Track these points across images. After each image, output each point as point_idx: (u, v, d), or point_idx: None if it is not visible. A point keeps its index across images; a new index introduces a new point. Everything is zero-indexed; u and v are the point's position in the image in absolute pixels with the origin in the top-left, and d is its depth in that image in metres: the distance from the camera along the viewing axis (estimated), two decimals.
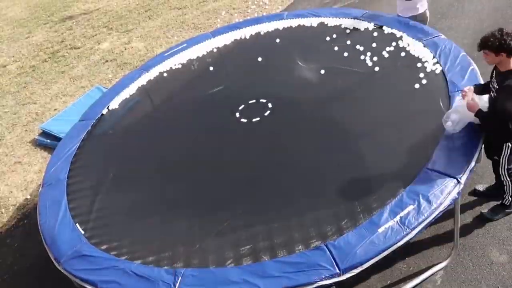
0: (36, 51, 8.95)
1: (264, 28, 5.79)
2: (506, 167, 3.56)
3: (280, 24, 5.76)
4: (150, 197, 3.93)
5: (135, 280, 3.22)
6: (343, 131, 4.02)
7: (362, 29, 5.19)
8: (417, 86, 4.21)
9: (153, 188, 4.01)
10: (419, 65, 4.44)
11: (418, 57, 4.54)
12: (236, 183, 3.85)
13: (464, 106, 3.49)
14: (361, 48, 4.89)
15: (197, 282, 3.11)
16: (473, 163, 3.37)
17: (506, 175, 3.61)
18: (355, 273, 3.01)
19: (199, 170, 4.04)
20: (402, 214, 3.16)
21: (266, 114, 4.42)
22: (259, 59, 5.24)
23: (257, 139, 4.21)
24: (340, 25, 5.38)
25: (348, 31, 5.24)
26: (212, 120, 4.59)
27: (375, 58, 4.68)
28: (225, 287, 3.04)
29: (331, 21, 5.48)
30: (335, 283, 2.99)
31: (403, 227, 3.08)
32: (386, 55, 4.68)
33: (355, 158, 3.75)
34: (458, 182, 3.24)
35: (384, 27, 5.09)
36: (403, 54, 4.65)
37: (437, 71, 4.28)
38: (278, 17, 5.98)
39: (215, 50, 5.70)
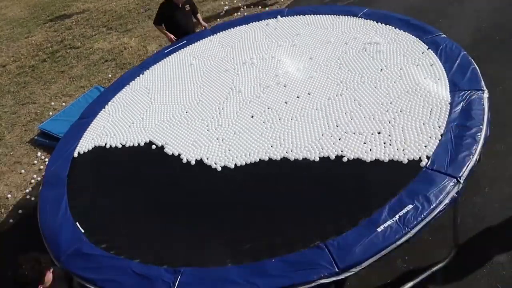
0: (36, 51, 8.95)
1: (263, 24, 5.80)
2: None
3: (280, 21, 5.77)
4: (150, 196, 3.93)
5: (135, 278, 3.23)
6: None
7: (361, 27, 5.18)
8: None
9: (153, 187, 4.01)
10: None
11: (418, 55, 4.54)
12: (236, 182, 3.86)
13: None
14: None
15: (197, 281, 3.11)
16: (473, 163, 3.37)
17: None
18: (354, 272, 3.01)
19: (200, 170, 4.03)
20: (401, 213, 3.15)
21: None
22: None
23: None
24: (340, 22, 5.38)
25: (347, 29, 5.24)
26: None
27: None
28: (224, 286, 3.04)
29: (331, 19, 5.48)
30: (334, 282, 2.99)
31: (402, 227, 3.08)
32: (386, 53, 4.68)
33: (354, 157, 3.74)
34: (458, 181, 3.23)
35: (383, 25, 5.09)
36: (403, 52, 4.64)
37: (438, 70, 4.28)
38: (278, 13, 5.98)
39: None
